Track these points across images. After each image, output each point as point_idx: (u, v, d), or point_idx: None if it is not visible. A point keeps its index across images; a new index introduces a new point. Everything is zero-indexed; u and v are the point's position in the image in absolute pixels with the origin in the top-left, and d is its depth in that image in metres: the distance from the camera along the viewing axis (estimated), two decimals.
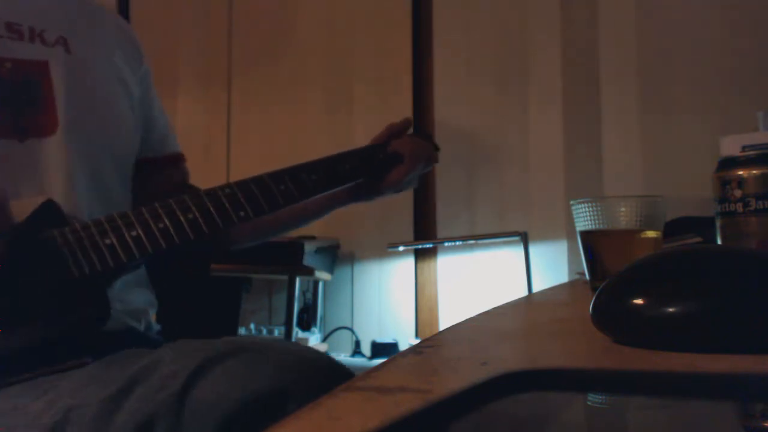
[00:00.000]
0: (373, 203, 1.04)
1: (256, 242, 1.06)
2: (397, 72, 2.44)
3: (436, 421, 0.26)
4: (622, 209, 0.72)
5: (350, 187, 0.98)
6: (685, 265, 0.42)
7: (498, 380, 0.30)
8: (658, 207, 0.72)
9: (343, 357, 2.29)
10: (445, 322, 2.31)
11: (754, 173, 0.63)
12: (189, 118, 2.66)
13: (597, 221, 0.72)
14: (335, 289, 2.44)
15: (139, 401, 0.58)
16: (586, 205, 0.73)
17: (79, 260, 0.69)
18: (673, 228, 1.14)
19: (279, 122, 2.58)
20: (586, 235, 0.74)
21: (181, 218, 0.75)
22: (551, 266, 2.16)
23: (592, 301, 0.43)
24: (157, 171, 1.00)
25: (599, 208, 0.72)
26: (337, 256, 2.36)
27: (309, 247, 2.12)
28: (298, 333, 2.20)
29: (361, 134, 2.44)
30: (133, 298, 0.88)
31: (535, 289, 2.07)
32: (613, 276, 0.44)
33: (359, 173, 0.95)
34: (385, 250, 2.27)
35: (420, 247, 2.33)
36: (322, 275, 2.26)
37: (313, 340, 2.29)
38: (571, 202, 0.75)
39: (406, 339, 2.29)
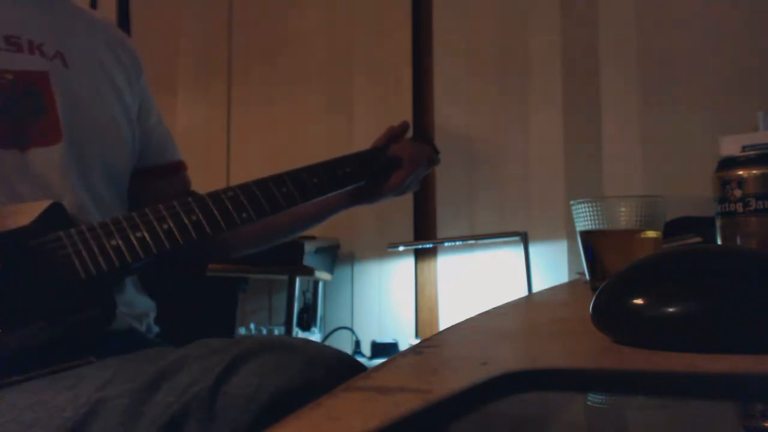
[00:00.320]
0: (374, 204, 1.05)
1: (258, 248, 1.06)
2: (397, 71, 2.44)
3: (436, 421, 0.26)
4: (622, 209, 0.72)
5: (351, 191, 0.99)
6: (685, 265, 0.42)
7: (498, 380, 0.30)
8: (658, 207, 0.72)
9: None
10: (445, 322, 2.31)
11: (754, 173, 0.63)
12: (189, 117, 2.66)
13: (597, 221, 0.72)
14: (335, 289, 2.44)
15: (171, 395, 0.58)
16: (586, 205, 0.73)
17: (85, 261, 0.70)
18: (673, 228, 1.14)
19: (279, 122, 2.58)
20: (586, 235, 0.74)
21: (185, 220, 0.76)
22: (551, 266, 2.16)
23: (592, 301, 0.43)
24: (157, 179, 1.00)
25: (599, 208, 0.72)
26: (337, 256, 2.36)
27: (309, 247, 2.12)
28: (298, 333, 2.20)
29: (361, 133, 2.44)
30: (138, 303, 0.89)
31: (535, 289, 2.07)
32: (613, 276, 0.44)
33: (360, 176, 0.96)
34: (385, 250, 2.27)
35: (420, 247, 2.33)
36: (322, 275, 2.26)
37: (314, 339, 2.29)
38: (571, 202, 0.75)
39: (406, 339, 2.29)
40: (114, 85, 0.91)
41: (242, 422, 0.56)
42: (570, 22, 2.22)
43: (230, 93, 2.67)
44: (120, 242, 0.72)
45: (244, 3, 2.69)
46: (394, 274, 2.40)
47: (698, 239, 1.08)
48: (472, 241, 2.21)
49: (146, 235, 0.73)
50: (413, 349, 0.40)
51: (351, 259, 2.42)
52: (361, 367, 0.65)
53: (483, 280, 2.24)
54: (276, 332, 2.30)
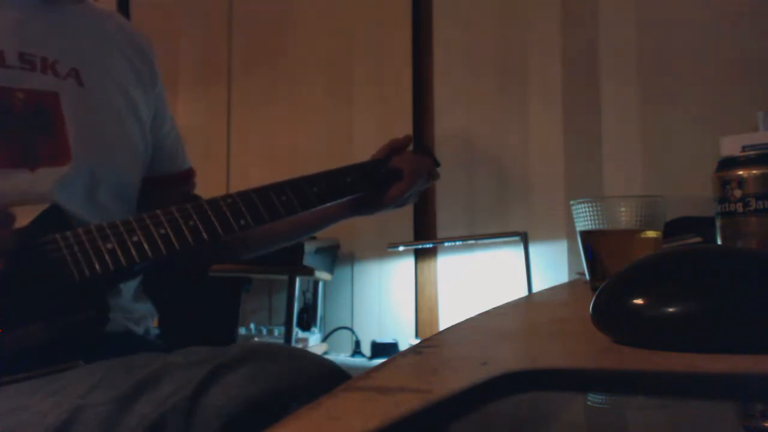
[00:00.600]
0: (373, 215, 1.05)
1: (256, 253, 1.06)
2: (397, 72, 2.44)
3: (436, 421, 0.26)
4: (622, 209, 0.72)
5: (351, 201, 0.99)
6: (685, 265, 0.42)
7: (498, 380, 0.30)
8: (658, 207, 0.72)
9: (343, 357, 2.29)
10: (445, 322, 2.31)
11: (754, 173, 0.63)
12: (189, 117, 2.66)
13: (597, 221, 0.72)
14: (335, 289, 2.44)
15: (150, 404, 0.58)
16: (586, 205, 0.73)
17: (80, 263, 0.70)
18: (673, 228, 1.14)
19: (279, 122, 2.58)
20: (586, 235, 0.74)
21: (182, 225, 0.76)
22: (551, 266, 2.16)
23: (592, 301, 0.43)
24: (168, 188, 1.01)
25: (599, 208, 0.72)
26: (337, 256, 2.36)
27: (309, 247, 2.12)
28: (298, 333, 2.20)
29: (361, 134, 2.44)
30: (136, 307, 0.89)
31: (535, 289, 2.07)
32: (613, 276, 0.44)
33: (360, 187, 0.96)
34: (385, 250, 2.27)
35: (420, 247, 2.33)
36: (322, 275, 2.26)
37: (313, 340, 2.29)
38: (571, 202, 0.75)
39: (406, 339, 2.29)
40: (128, 99, 0.91)
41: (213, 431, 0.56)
42: (570, 22, 2.22)
43: (230, 93, 2.67)
44: (116, 245, 0.72)
45: (244, 3, 2.69)
46: (394, 274, 2.40)
47: (698, 239, 1.08)
48: (472, 241, 2.21)
49: (142, 239, 0.73)
50: (413, 349, 0.40)
51: (351, 259, 2.42)
52: (343, 377, 0.64)
53: (483, 280, 2.24)
54: (276, 332, 2.30)
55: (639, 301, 0.39)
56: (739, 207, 0.63)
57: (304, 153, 2.50)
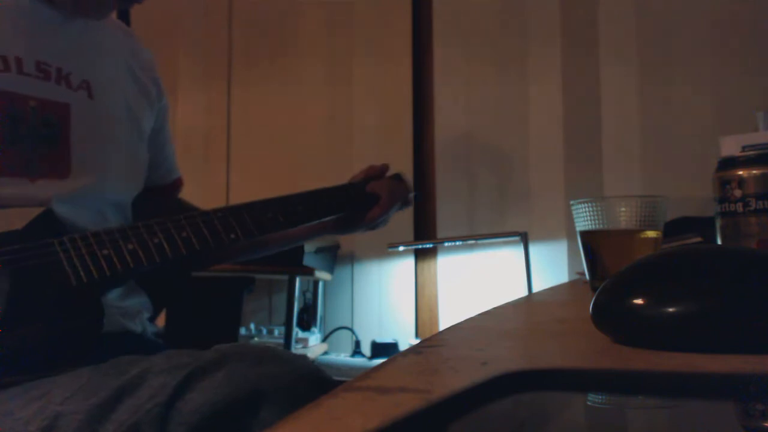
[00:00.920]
0: (346, 235, 1.13)
1: (244, 259, 1.13)
2: (397, 71, 2.44)
3: (436, 421, 0.26)
4: (622, 209, 0.72)
5: (331, 219, 1.04)
6: (685, 265, 0.42)
7: (498, 380, 0.30)
8: (658, 207, 0.72)
9: (343, 357, 2.30)
10: (445, 322, 2.31)
11: (754, 173, 0.63)
12: (189, 117, 2.67)
13: (597, 221, 0.72)
14: (335, 289, 2.44)
15: (127, 412, 0.59)
16: (586, 205, 0.73)
17: (76, 268, 0.71)
18: (673, 228, 1.14)
19: (279, 122, 2.58)
20: (586, 235, 0.74)
21: (175, 236, 0.79)
22: (551, 266, 2.16)
23: (592, 301, 0.43)
24: (160, 195, 1.05)
25: (599, 208, 0.72)
26: (337, 256, 2.36)
27: (309, 247, 2.12)
28: (298, 333, 2.20)
29: (361, 134, 2.44)
30: (127, 302, 0.89)
31: (535, 289, 2.07)
32: (613, 276, 0.44)
33: (339, 208, 1.02)
34: (385, 250, 2.26)
35: (420, 247, 2.33)
36: (322, 275, 2.26)
37: (313, 340, 2.29)
38: (571, 202, 0.75)
39: (406, 339, 2.29)
40: (131, 113, 0.93)
41: None
42: (570, 21, 2.22)
43: (230, 93, 2.67)
44: (111, 251, 0.74)
45: (244, 3, 2.69)
46: (394, 274, 2.40)
47: (698, 239, 1.08)
48: (472, 241, 2.20)
49: (137, 246, 0.76)
50: (413, 349, 0.40)
51: (351, 259, 2.42)
52: (322, 378, 0.65)
53: (483, 280, 2.24)
54: (276, 332, 2.30)
55: (639, 301, 0.39)
56: (739, 207, 0.63)
57: (304, 154, 2.50)
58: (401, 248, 2.26)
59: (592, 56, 2.18)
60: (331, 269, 2.32)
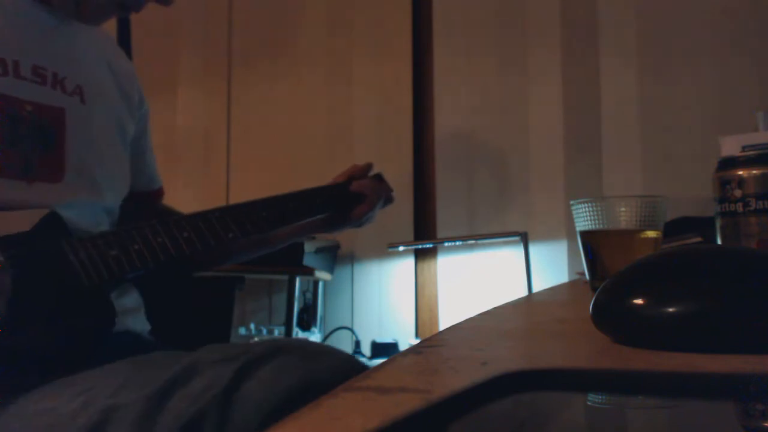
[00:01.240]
0: (333, 233, 1.15)
1: (241, 260, 1.15)
2: (397, 71, 2.44)
3: (436, 421, 0.26)
4: (622, 209, 0.72)
5: (319, 218, 1.07)
6: (685, 265, 0.42)
7: (498, 380, 0.30)
8: (658, 207, 0.72)
9: None
10: (445, 322, 2.31)
11: (754, 173, 0.63)
12: (189, 115, 2.66)
13: (597, 221, 0.72)
14: (335, 289, 2.44)
15: (184, 400, 0.59)
16: (586, 205, 0.73)
17: (88, 269, 0.73)
18: (673, 228, 1.14)
19: (279, 122, 2.58)
20: (586, 235, 0.74)
21: (177, 236, 0.81)
22: (551, 266, 2.16)
23: (592, 301, 0.43)
24: (144, 202, 1.06)
25: (599, 208, 0.72)
26: (337, 256, 2.36)
27: (309, 247, 2.12)
28: (298, 333, 2.20)
29: (361, 134, 2.44)
30: (125, 301, 0.90)
31: (535, 289, 2.07)
32: (613, 276, 0.44)
33: (329, 207, 1.06)
34: (385, 250, 2.27)
35: (420, 247, 2.33)
36: (322, 275, 2.26)
37: (313, 340, 2.29)
38: (571, 202, 0.75)
39: (406, 339, 2.29)
40: (118, 120, 0.94)
41: (255, 425, 0.57)
42: (570, 21, 2.22)
43: (230, 92, 2.67)
44: (119, 252, 0.75)
45: (244, 3, 2.69)
46: (394, 274, 2.40)
47: (698, 239, 1.08)
48: (472, 241, 2.20)
49: (143, 247, 0.77)
50: (413, 349, 0.40)
51: (351, 259, 2.42)
52: (366, 369, 0.65)
53: (483, 280, 2.24)
54: (276, 332, 2.30)
55: (639, 301, 0.39)
56: (739, 207, 0.63)
57: (303, 153, 2.50)
58: (401, 248, 2.26)
59: (592, 56, 2.18)
60: (331, 269, 2.32)
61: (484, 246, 2.24)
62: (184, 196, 2.45)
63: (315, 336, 2.31)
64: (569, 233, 2.11)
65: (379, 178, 1.16)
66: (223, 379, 0.60)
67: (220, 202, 2.09)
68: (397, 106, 2.42)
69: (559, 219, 2.15)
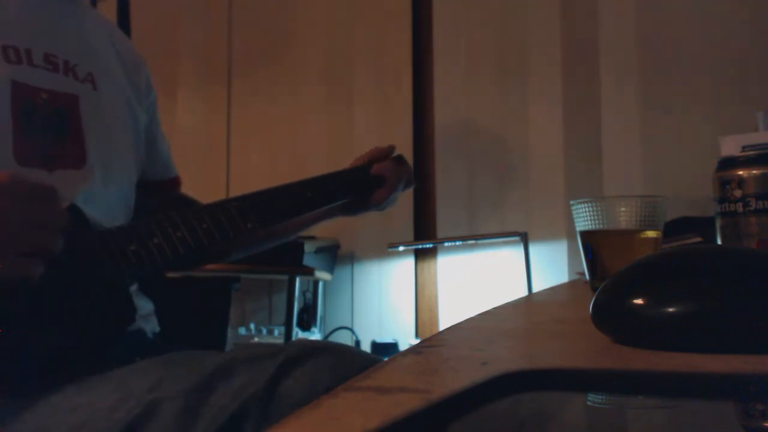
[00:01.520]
0: (357, 216, 1.13)
1: (257, 250, 1.12)
2: (397, 70, 2.44)
3: (436, 421, 0.26)
4: (622, 209, 0.72)
5: (339, 204, 1.05)
6: (685, 265, 0.42)
7: (498, 380, 0.30)
8: (658, 207, 0.72)
9: None
10: (445, 322, 2.31)
11: (754, 173, 0.63)
12: (189, 117, 2.66)
13: (597, 221, 0.72)
14: (335, 289, 2.44)
15: (226, 396, 0.59)
16: (586, 205, 0.73)
17: (110, 264, 0.72)
18: (673, 228, 1.14)
19: (279, 122, 2.58)
20: (586, 235, 0.74)
21: (197, 227, 0.80)
22: (551, 266, 2.16)
23: (592, 301, 0.43)
24: (160, 192, 1.05)
25: (599, 208, 0.72)
26: (337, 256, 2.36)
27: (309, 247, 2.12)
28: (298, 333, 2.20)
29: (361, 134, 2.44)
30: (142, 304, 0.91)
31: (535, 289, 2.07)
32: (613, 276, 0.44)
33: (347, 193, 1.03)
34: (385, 250, 2.27)
35: (420, 247, 2.33)
36: (322, 275, 2.26)
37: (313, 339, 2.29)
38: (571, 202, 0.75)
39: (406, 339, 2.29)
40: (130, 108, 0.94)
41: None
42: (570, 21, 2.22)
43: (230, 93, 2.67)
44: (138, 247, 0.75)
45: (244, 3, 2.69)
46: (394, 274, 2.40)
47: (698, 239, 1.08)
48: (472, 241, 2.20)
49: (162, 241, 0.77)
50: (413, 349, 0.40)
51: (351, 259, 2.42)
52: None
53: (483, 280, 2.24)
54: (276, 332, 2.30)
55: (639, 301, 0.39)
56: (739, 207, 0.63)
57: (304, 152, 2.50)
58: (401, 248, 2.26)
59: (593, 56, 2.17)
60: (331, 269, 2.32)
61: (484, 246, 2.24)
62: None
63: (315, 336, 2.31)
64: (569, 233, 2.11)
65: (400, 160, 1.12)
66: (264, 376, 0.60)
67: None
68: (397, 106, 2.42)
69: (559, 219, 2.15)
